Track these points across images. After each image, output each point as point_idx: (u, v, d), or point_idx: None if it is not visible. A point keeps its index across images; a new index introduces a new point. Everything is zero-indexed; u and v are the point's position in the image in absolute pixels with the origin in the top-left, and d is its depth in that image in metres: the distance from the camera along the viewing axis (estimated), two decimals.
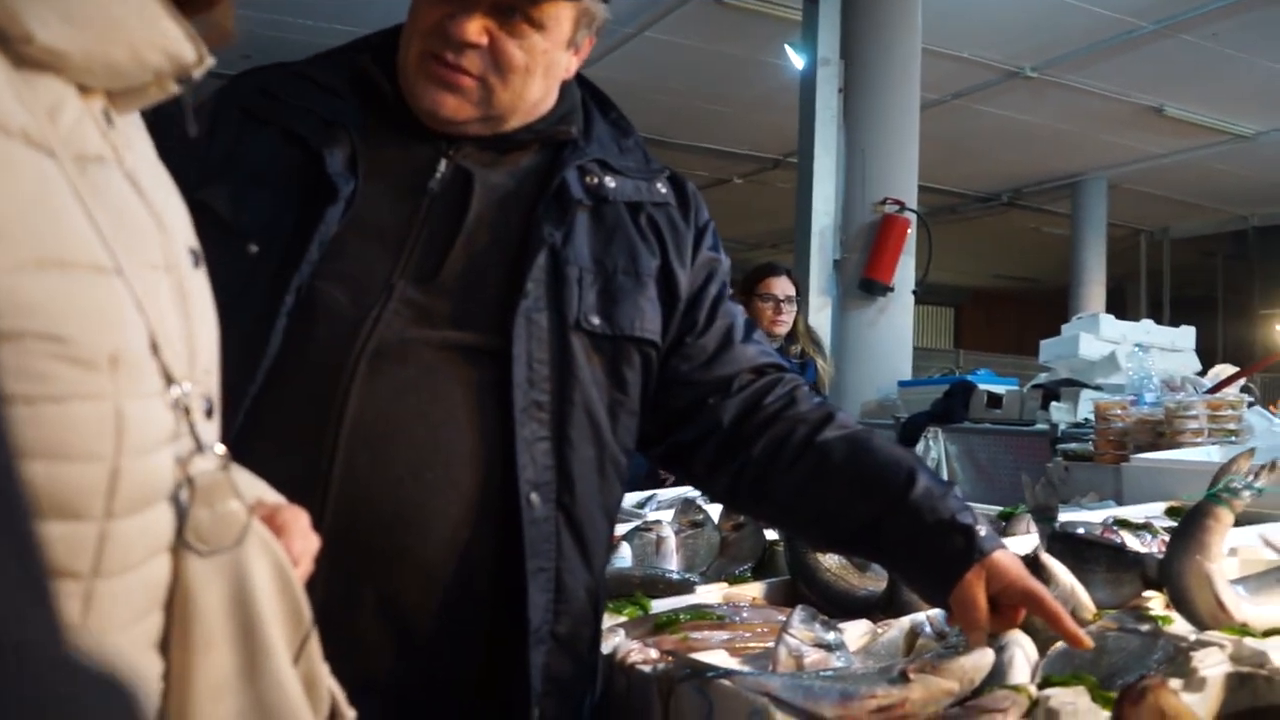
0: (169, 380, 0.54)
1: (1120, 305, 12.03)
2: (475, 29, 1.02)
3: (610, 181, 1.11)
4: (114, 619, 0.51)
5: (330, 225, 1.01)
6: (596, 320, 1.07)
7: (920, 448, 4.30)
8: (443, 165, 1.07)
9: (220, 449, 0.58)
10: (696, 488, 1.24)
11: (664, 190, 1.17)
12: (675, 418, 1.18)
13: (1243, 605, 1.23)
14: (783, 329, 3.67)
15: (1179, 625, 1.26)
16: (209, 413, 0.59)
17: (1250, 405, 2.93)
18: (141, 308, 0.52)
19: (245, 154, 1.06)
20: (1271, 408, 3.81)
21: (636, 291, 1.10)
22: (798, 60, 5.98)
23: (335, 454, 0.96)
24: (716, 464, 1.18)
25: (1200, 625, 1.23)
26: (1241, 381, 3.20)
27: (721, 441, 1.16)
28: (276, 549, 0.60)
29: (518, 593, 1.00)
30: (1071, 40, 6.90)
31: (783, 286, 3.68)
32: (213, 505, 0.56)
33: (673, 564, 1.87)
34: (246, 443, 0.94)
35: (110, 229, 0.51)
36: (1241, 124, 8.56)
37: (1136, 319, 5.49)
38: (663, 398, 1.16)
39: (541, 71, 1.07)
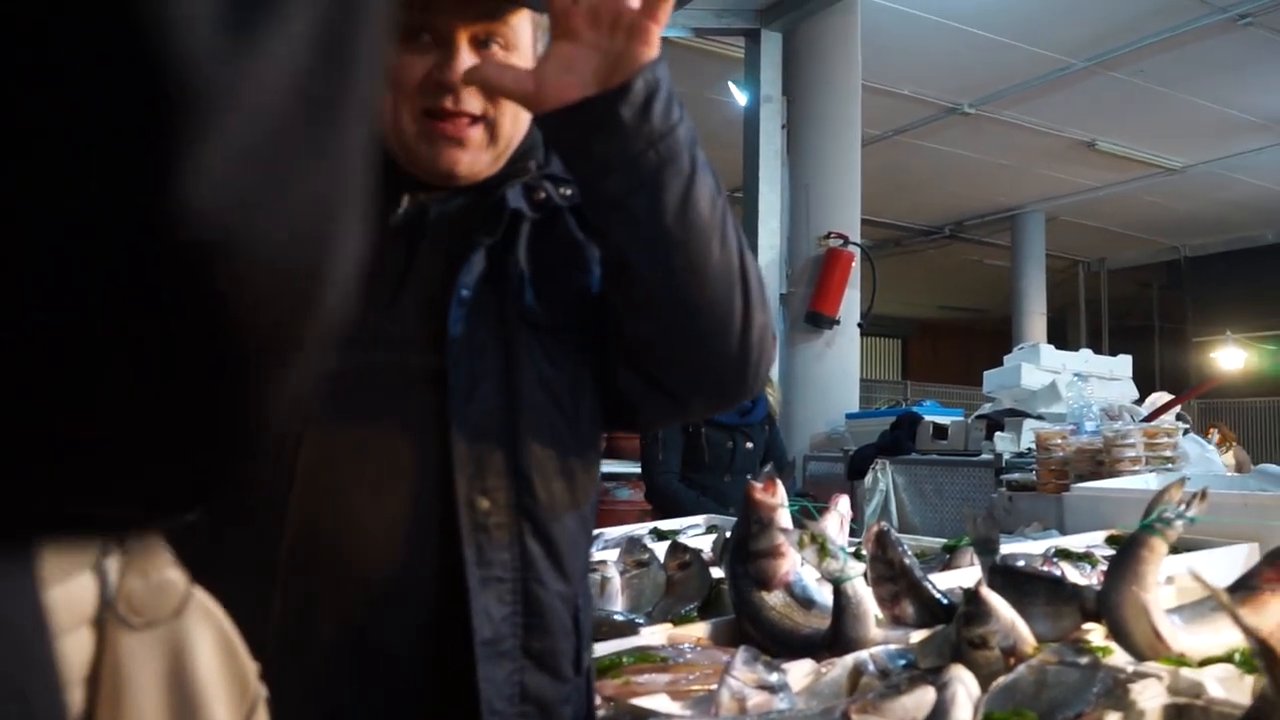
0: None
1: (1061, 335, 12.31)
2: (467, 66, 1.00)
3: (564, 190, 1.11)
4: None
5: None
6: (540, 312, 1.05)
7: (869, 480, 4.33)
8: (404, 201, 1.07)
9: None
10: (624, 414, 1.12)
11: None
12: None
13: (1179, 635, 1.24)
14: None
15: (1118, 656, 1.27)
16: None
17: (1185, 432, 2.99)
18: None
19: None
20: (1211, 432, 3.90)
21: (582, 279, 1.09)
22: (740, 97, 6.07)
23: (291, 487, 0.94)
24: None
25: (1138, 656, 1.24)
26: (1177, 409, 3.26)
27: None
28: (220, 617, 0.57)
29: (465, 604, 0.96)
30: (1007, 77, 7.10)
31: None
32: (147, 575, 0.53)
33: (618, 605, 1.85)
34: None
35: None
36: (1171, 158, 8.85)
37: (1076, 348, 5.61)
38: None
39: None
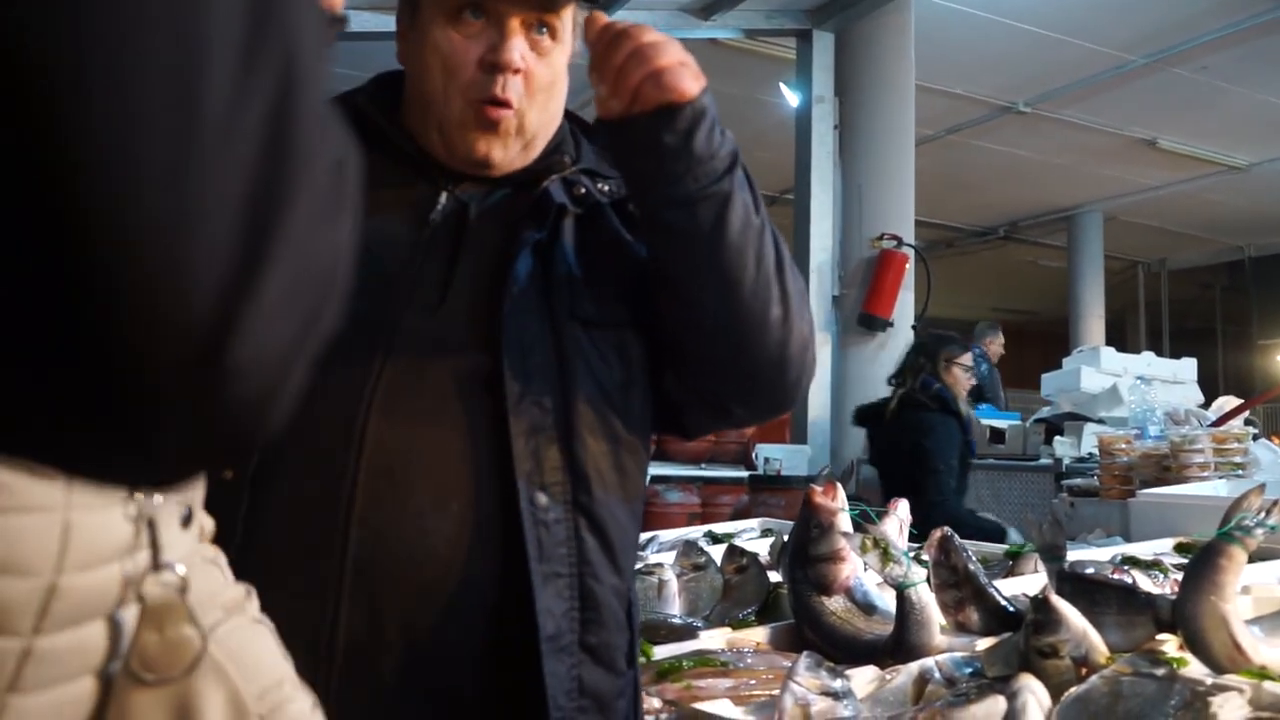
0: (133, 490, 0.49)
1: (1120, 337, 12.03)
2: (521, 52, 1.04)
3: (602, 186, 1.13)
4: None
5: None
6: (591, 310, 1.06)
7: None
8: (443, 199, 1.08)
9: (181, 569, 0.53)
10: (673, 420, 1.15)
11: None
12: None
13: (1260, 647, 1.20)
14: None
15: (1194, 668, 1.23)
16: (186, 520, 0.55)
17: (1255, 437, 2.90)
18: None
19: None
20: (1275, 439, 3.78)
21: (629, 276, 1.09)
22: (792, 98, 6.03)
23: (355, 491, 0.94)
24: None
25: (1217, 668, 1.20)
26: (1245, 413, 3.17)
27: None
28: (232, 678, 0.55)
29: (529, 602, 0.96)
30: (1063, 75, 6.96)
31: None
32: (163, 630, 0.51)
33: (675, 608, 1.84)
34: (263, 484, 0.93)
35: None
36: (1235, 155, 8.62)
37: (1136, 351, 5.50)
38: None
39: (560, 83, 1.11)
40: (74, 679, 0.48)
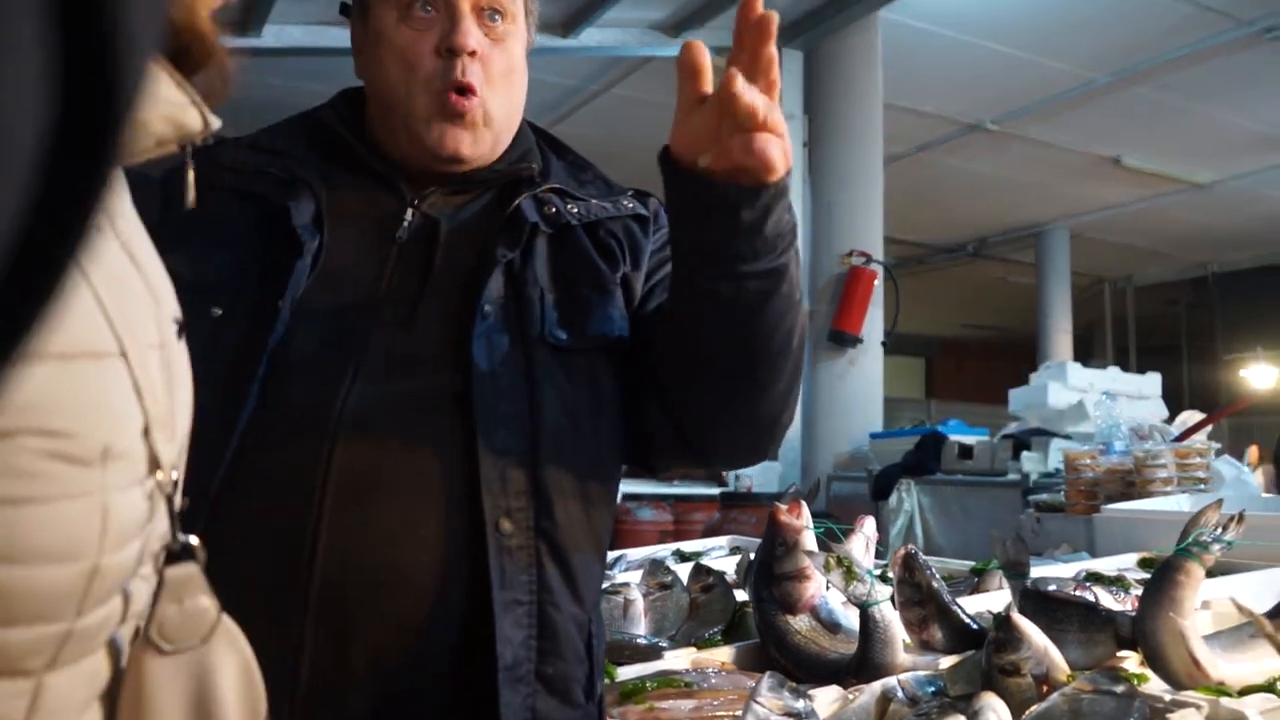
0: (154, 466, 0.51)
1: (1087, 353, 12.16)
2: (476, 36, 1.03)
3: (572, 207, 1.11)
4: (57, 716, 0.47)
5: (300, 281, 0.99)
6: (563, 334, 1.04)
7: (893, 500, 4.28)
8: (409, 214, 1.06)
9: (194, 540, 0.55)
10: (643, 455, 1.13)
11: (629, 205, 1.16)
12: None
13: (1218, 662, 1.21)
14: None
15: (1154, 684, 1.23)
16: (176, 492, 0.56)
17: (1217, 452, 2.93)
18: (140, 392, 0.49)
19: (199, 220, 1.03)
20: (1257, 450, 3.82)
21: (602, 301, 1.08)
22: None
23: (322, 513, 0.92)
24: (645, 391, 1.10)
25: (1176, 684, 1.21)
26: (1208, 428, 3.21)
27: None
28: (244, 646, 0.57)
29: (491, 630, 0.94)
30: (1030, 93, 7.05)
31: None
32: (181, 601, 0.53)
33: (640, 628, 1.82)
34: (226, 506, 0.90)
35: (115, 309, 0.48)
36: (1197, 173, 8.76)
37: (1103, 366, 5.55)
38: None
39: (520, 70, 1.10)
40: (96, 651, 0.50)
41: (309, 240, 1.00)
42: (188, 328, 0.99)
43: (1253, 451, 3.80)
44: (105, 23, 0.26)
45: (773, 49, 0.92)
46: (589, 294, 1.08)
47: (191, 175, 0.61)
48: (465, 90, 1.04)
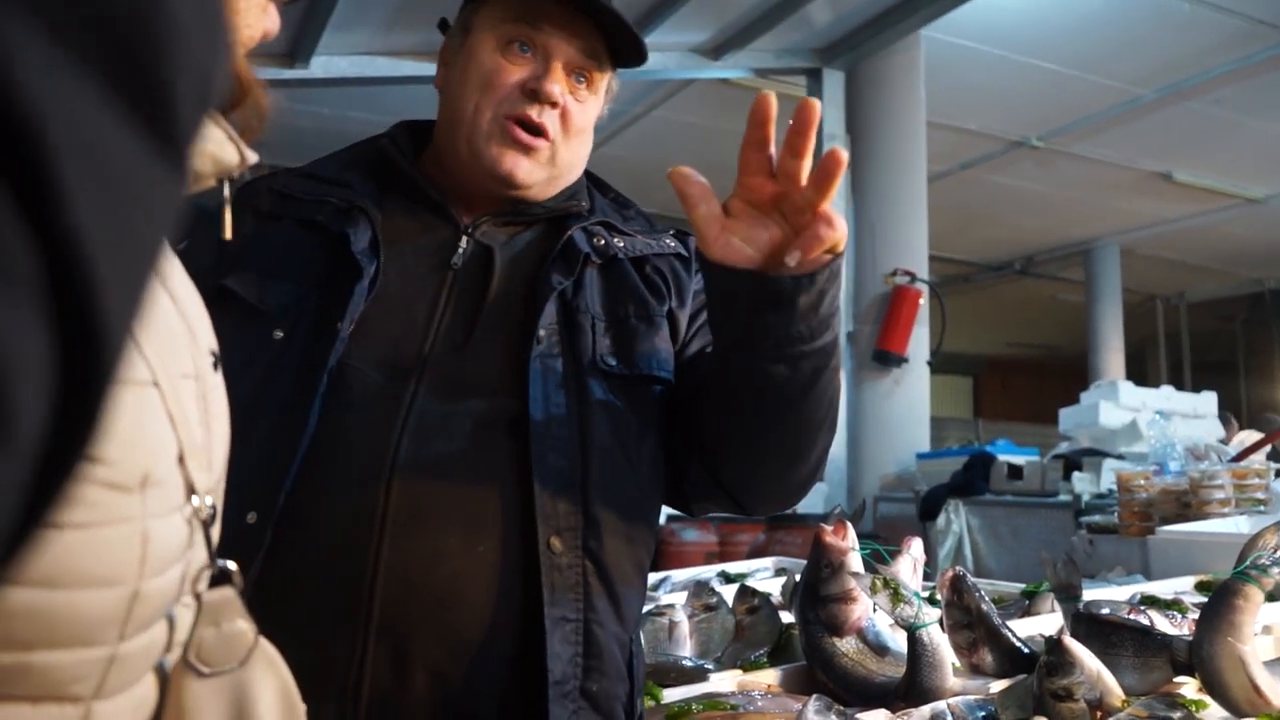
0: (190, 492, 0.52)
1: (1140, 371, 11.93)
2: (561, 89, 1.08)
3: (618, 240, 1.15)
4: None
5: (358, 303, 1.02)
6: (613, 361, 1.07)
7: (941, 521, 4.23)
8: (464, 243, 1.10)
9: (232, 565, 0.56)
10: (684, 501, 1.17)
11: (671, 244, 1.20)
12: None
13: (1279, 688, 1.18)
14: None
15: (1213, 711, 1.20)
16: (213, 519, 0.57)
17: (1277, 473, 2.86)
18: (173, 420, 0.50)
19: (262, 247, 1.08)
20: None
21: (651, 333, 1.11)
22: None
23: (384, 533, 0.94)
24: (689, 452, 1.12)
25: (1236, 711, 1.18)
26: (1267, 448, 3.13)
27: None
28: (282, 668, 0.58)
29: (542, 647, 0.97)
30: (1075, 110, 6.98)
31: None
32: (219, 624, 0.54)
33: (686, 650, 1.81)
34: (291, 524, 0.94)
35: (146, 339, 0.49)
36: (1251, 188, 8.59)
37: (1156, 385, 5.44)
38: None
39: (590, 133, 1.15)
40: (143, 676, 0.51)
41: (367, 265, 1.04)
42: (252, 350, 1.02)
43: None
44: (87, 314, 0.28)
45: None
46: (638, 324, 1.11)
47: (229, 210, 0.63)
48: (536, 130, 1.08)
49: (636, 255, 1.16)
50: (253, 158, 0.57)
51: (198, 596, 0.53)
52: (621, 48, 1.14)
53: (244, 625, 0.55)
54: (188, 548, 0.52)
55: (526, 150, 1.09)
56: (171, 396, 0.50)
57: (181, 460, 0.51)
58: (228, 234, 0.62)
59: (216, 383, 0.59)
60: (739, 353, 0.99)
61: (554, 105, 1.08)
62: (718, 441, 1.06)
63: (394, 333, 1.04)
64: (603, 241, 1.14)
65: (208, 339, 0.59)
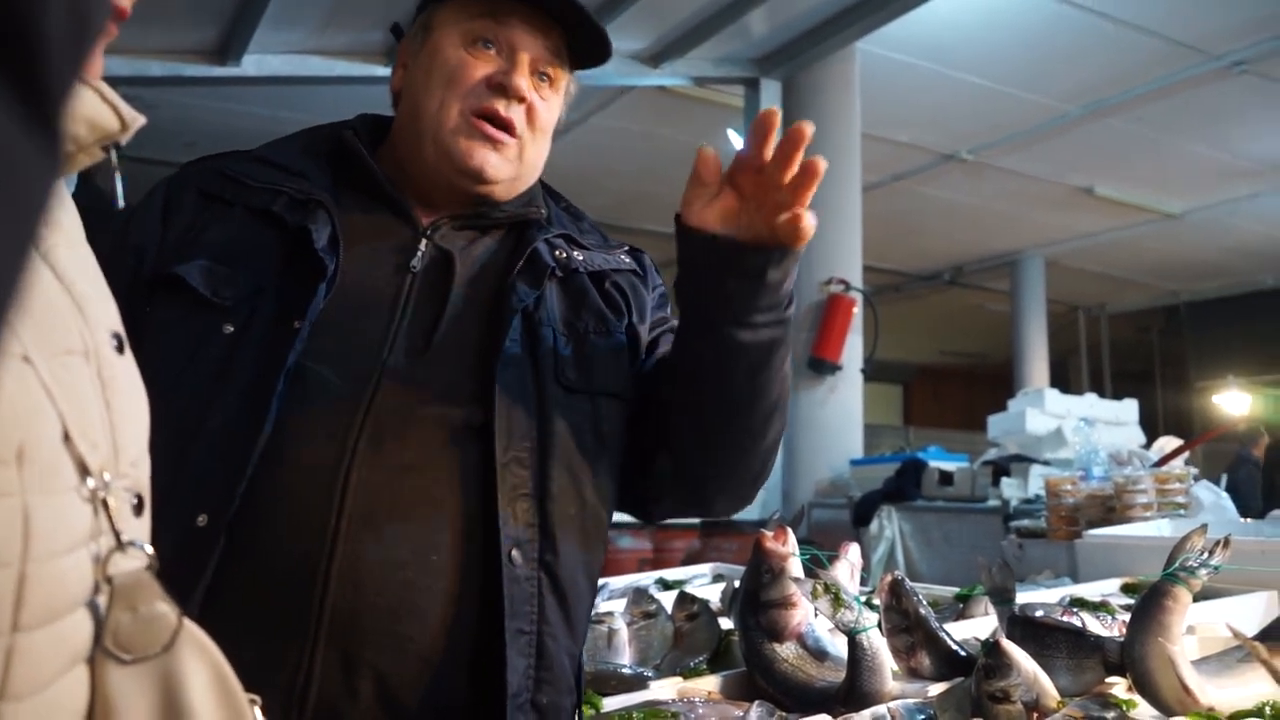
0: (84, 472, 0.49)
1: (1063, 380, 12.26)
2: (527, 84, 1.09)
3: (577, 254, 1.15)
4: None
5: (319, 302, 1.00)
6: (573, 376, 1.07)
7: (874, 526, 4.28)
8: (423, 246, 1.08)
9: (148, 548, 0.53)
10: (644, 501, 1.19)
11: (627, 260, 1.22)
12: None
13: (1207, 687, 1.21)
14: None
15: (1143, 710, 1.23)
16: (138, 508, 0.55)
17: (1195, 477, 2.95)
18: (52, 395, 0.48)
19: (208, 234, 1.04)
20: None
21: (609, 350, 1.12)
22: (740, 143, 6.09)
23: (337, 538, 0.92)
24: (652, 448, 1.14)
25: (1166, 710, 1.20)
26: (1186, 454, 3.23)
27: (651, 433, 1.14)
28: (214, 652, 0.55)
29: (500, 658, 0.96)
30: (1004, 125, 7.15)
31: None
32: (135, 608, 0.51)
33: (625, 658, 1.80)
34: (244, 527, 0.92)
35: (20, 313, 0.47)
36: (1169, 203, 8.89)
37: (1079, 393, 5.59)
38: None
39: (551, 133, 1.15)
40: (65, 673, 0.48)
41: (329, 263, 1.02)
42: (201, 342, 0.98)
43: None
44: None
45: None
46: (598, 341, 1.11)
47: (119, 177, 0.60)
48: (503, 125, 1.08)
49: (595, 270, 1.16)
50: (137, 120, 0.54)
51: (109, 580, 0.50)
52: (583, 48, 1.14)
53: (164, 608, 0.52)
54: (94, 533, 0.50)
55: (495, 145, 1.08)
56: (48, 372, 0.48)
57: (68, 437, 0.48)
58: (120, 202, 0.60)
59: (124, 366, 0.56)
60: (700, 318, 1.04)
61: (521, 100, 1.08)
62: (682, 423, 1.08)
63: (351, 334, 1.01)
64: (564, 254, 1.14)
65: (106, 319, 0.56)
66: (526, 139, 1.10)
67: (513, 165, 1.10)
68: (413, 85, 1.12)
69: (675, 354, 1.10)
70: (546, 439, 1.03)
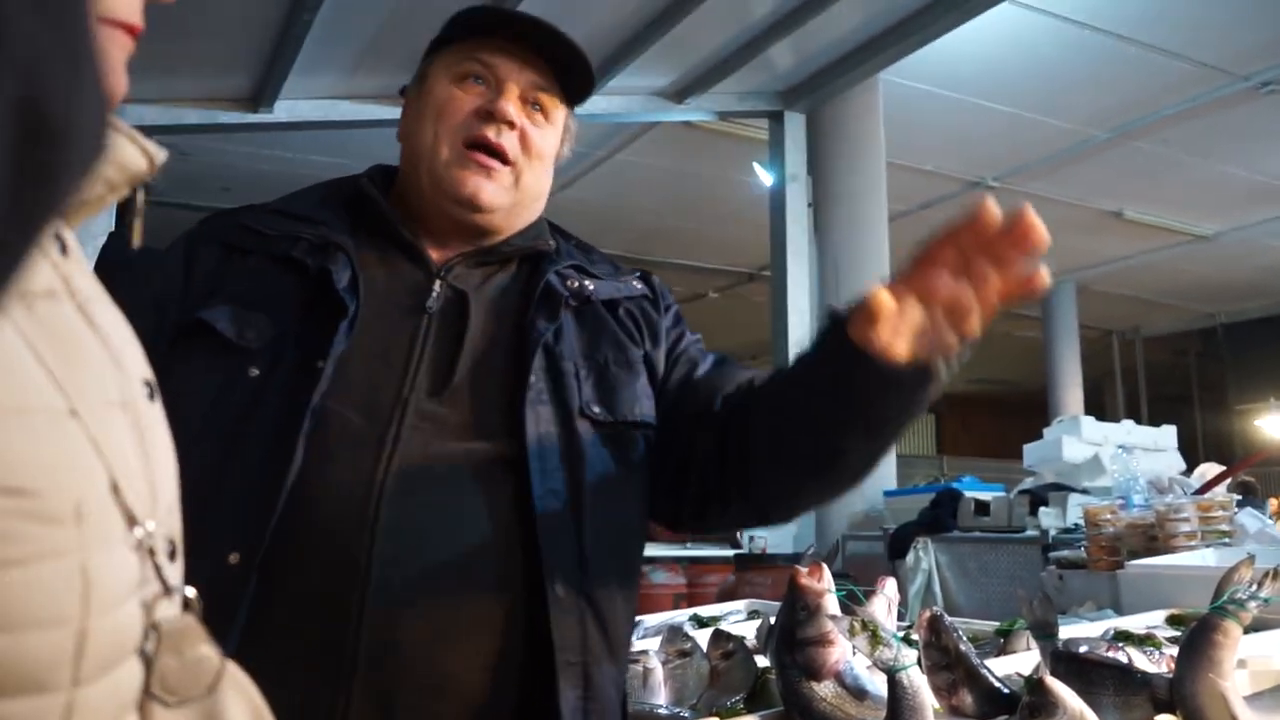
0: (131, 522, 0.50)
1: (1098, 405, 12.10)
2: (515, 110, 1.10)
3: (589, 284, 1.16)
4: None
5: (341, 342, 1.01)
6: (598, 409, 1.08)
7: (910, 559, 4.22)
8: (437, 286, 1.10)
9: (191, 591, 0.54)
10: (698, 519, 1.18)
11: (639, 285, 1.22)
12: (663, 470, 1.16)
13: None
14: None
15: None
16: (172, 555, 0.55)
17: (1239, 504, 2.89)
18: (100, 449, 0.48)
19: (230, 281, 1.07)
20: (1274, 509, 3.75)
21: (631, 379, 1.12)
22: (766, 177, 6.12)
23: (369, 579, 0.93)
24: (707, 475, 1.13)
25: None
26: (1228, 480, 3.17)
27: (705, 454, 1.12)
28: (253, 693, 0.57)
29: (549, 692, 0.96)
30: (1030, 151, 7.13)
31: None
32: (182, 653, 0.52)
33: (660, 697, 1.78)
34: (276, 564, 0.92)
35: (61, 368, 0.48)
36: (1200, 225, 8.80)
37: (1115, 419, 5.51)
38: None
39: (550, 162, 1.17)
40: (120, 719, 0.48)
41: (350, 304, 1.04)
42: (227, 388, 1.00)
43: (1274, 503, 3.75)
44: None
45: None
46: (618, 371, 1.12)
47: (140, 220, 0.62)
48: (495, 152, 1.10)
49: (608, 298, 1.17)
50: (161, 156, 0.56)
51: (155, 626, 0.51)
52: (573, 83, 1.17)
53: (208, 651, 0.53)
54: (142, 580, 0.51)
55: (487, 173, 1.10)
56: (94, 424, 0.49)
57: (116, 489, 0.49)
58: (136, 241, 0.62)
59: (155, 414, 0.57)
60: (822, 421, 1.00)
61: (511, 126, 1.10)
62: (767, 466, 1.07)
63: (371, 375, 1.03)
64: (576, 284, 1.15)
65: (138, 368, 0.57)
66: (522, 164, 1.12)
67: (508, 193, 1.12)
68: (409, 126, 1.16)
69: (769, 427, 1.06)
70: (578, 470, 1.04)
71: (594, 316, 1.15)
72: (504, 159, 1.11)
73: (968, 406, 16.09)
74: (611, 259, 1.26)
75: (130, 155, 0.54)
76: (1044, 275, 0.90)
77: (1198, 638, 1.23)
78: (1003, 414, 15.04)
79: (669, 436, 1.12)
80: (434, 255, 1.13)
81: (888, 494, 5.22)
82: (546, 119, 1.15)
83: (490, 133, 1.10)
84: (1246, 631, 1.61)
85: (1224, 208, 8.32)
